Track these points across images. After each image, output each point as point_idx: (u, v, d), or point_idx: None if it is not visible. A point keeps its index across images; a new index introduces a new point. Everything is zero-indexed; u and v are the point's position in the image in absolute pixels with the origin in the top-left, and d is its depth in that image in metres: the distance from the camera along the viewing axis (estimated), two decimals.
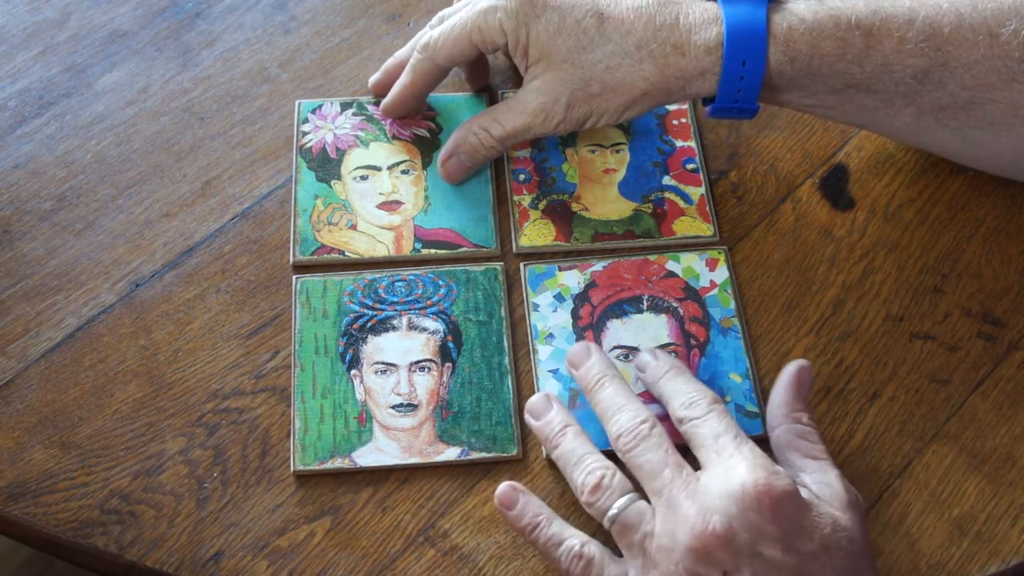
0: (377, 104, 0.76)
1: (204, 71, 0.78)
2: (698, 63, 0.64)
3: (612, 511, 0.56)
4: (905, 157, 0.75)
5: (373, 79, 0.76)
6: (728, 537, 0.52)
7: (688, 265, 0.69)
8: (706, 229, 0.71)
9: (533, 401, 0.62)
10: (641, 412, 0.58)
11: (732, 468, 0.54)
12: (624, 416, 0.58)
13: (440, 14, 0.72)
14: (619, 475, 0.57)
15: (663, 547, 0.54)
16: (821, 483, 0.56)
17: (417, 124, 0.76)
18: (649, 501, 0.56)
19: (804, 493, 0.55)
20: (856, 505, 0.56)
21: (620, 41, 0.64)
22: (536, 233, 0.71)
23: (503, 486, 0.59)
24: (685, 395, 0.59)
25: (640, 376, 0.63)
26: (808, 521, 0.53)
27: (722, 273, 0.69)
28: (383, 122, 0.75)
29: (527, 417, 0.62)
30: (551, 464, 0.62)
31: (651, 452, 0.56)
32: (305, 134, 0.75)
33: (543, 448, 0.62)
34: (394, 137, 0.75)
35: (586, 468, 0.58)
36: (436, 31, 0.69)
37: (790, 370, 0.61)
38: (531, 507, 0.58)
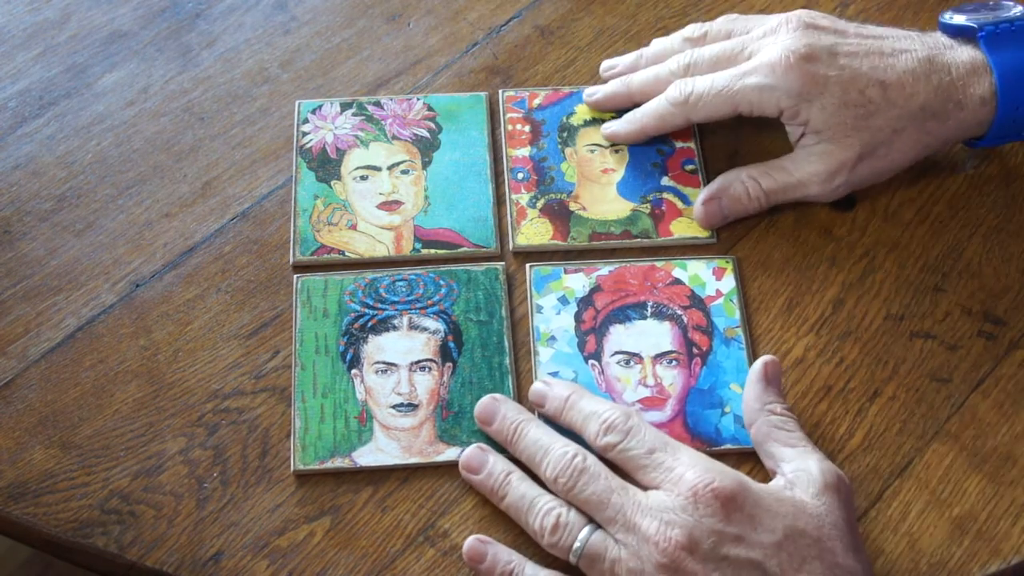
0: (377, 104, 0.76)
1: (204, 71, 0.78)
2: (975, 115, 0.67)
3: (576, 546, 0.55)
4: None
5: (610, 78, 0.76)
6: (692, 546, 0.52)
7: (695, 273, 0.69)
8: (704, 231, 0.71)
9: (467, 456, 0.60)
10: (568, 447, 0.58)
11: (677, 479, 0.54)
12: (553, 456, 0.57)
13: (689, 33, 0.73)
14: (573, 510, 0.56)
15: (633, 570, 0.53)
16: (799, 470, 0.56)
17: (417, 124, 0.76)
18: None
19: (771, 485, 0.55)
20: (836, 487, 0.56)
21: (905, 105, 0.66)
22: (533, 232, 0.71)
23: (469, 541, 0.58)
24: (597, 419, 0.58)
25: (540, 411, 0.62)
26: (764, 512, 0.53)
27: (728, 282, 0.69)
28: (383, 122, 0.75)
29: (464, 474, 0.60)
30: None
31: (592, 484, 0.56)
32: (305, 134, 0.75)
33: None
34: (394, 137, 0.75)
35: (540, 511, 0.57)
36: (694, 87, 0.69)
37: (756, 367, 0.61)
38: (501, 556, 0.57)
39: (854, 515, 0.56)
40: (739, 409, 0.64)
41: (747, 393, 0.61)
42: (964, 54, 0.67)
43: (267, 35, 0.80)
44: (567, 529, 0.56)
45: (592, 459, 0.57)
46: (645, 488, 0.56)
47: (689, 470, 0.54)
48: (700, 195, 0.70)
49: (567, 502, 0.57)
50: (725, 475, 0.54)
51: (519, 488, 0.58)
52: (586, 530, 0.56)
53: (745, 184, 0.69)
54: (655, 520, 0.53)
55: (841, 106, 0.66)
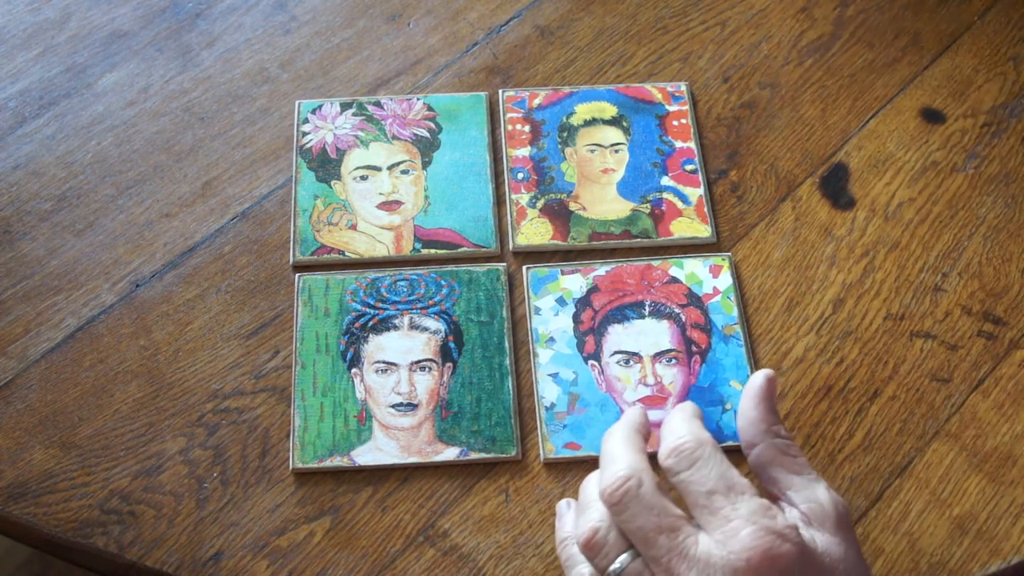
0: (377, 104, 0.76)
1: (204, 71, 0.78)
2: None
3: (614, 567, 0.52)
4: (905, 156, 0.75)
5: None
6: None
7: (691, 271, 0.69)
8: (703, 230, 0.71)
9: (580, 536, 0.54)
10: (629, 468, 0.53)
11: (732, 534, 0.50)
12: (610, 471, 0.53)
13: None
14: (615, 531, 0.53)
15: None
16: (811, 501, 0.54)
17: (417, 124, 0.76)
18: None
19: (804, 534, 0.52)
20: (845, 519, 0.54)
21: None
22: (533, 232, 0.71)
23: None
24: (672, 438, 0.54)
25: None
26: (812, 574, 0.50)
27: (725, 280, 0.69)
28: (383, 122, 0.75)
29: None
30: (549, 465, 0.62)
31: (642, 516, 0.52)
32: (305, 134, 0.75)
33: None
34: (394, 137, 0.75)
35: (587, 518, 0.53)
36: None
37: (759, 382, 0.57)
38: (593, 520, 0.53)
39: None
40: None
41: (747, 412, 0.57)
42: None
43: (267, 35, 0.80)
44: (604, 549, 0.52)
45: (649, 486, 0.52)
46: (698, 526, 0.52)
47: (746, 526, 0.50)
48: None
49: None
50: (784, 537, 0.50)
51: (586, 485, 0.55)
52: (626, 556, 0.52)
53: None
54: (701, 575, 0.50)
55: None
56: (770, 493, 0.57)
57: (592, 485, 0.55)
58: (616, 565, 0.52)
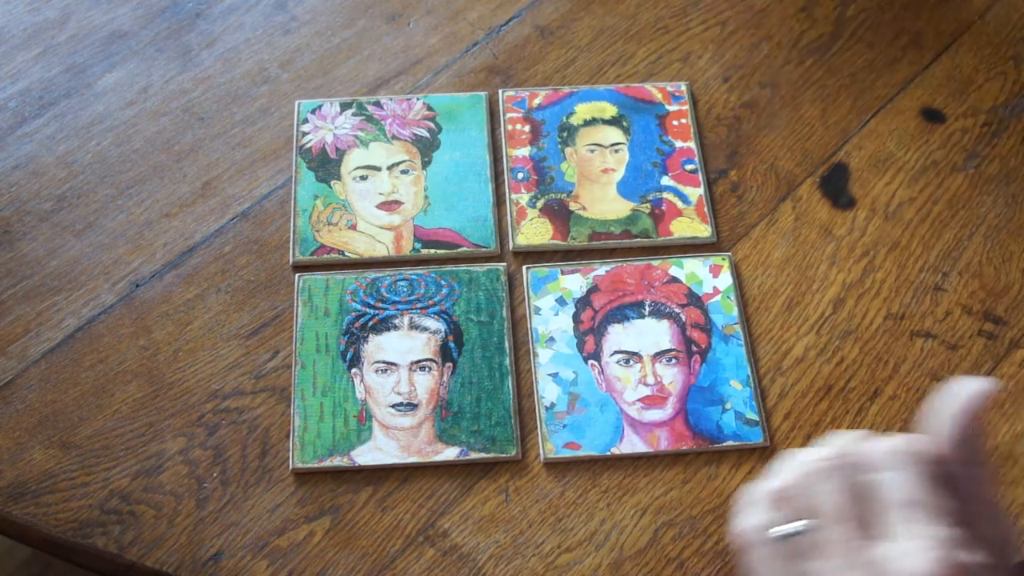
0: (377, 104, 0.76)
1: (204, 71, 0.78)
2: None
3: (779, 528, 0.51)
4: (905, 156, 0.75)
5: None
6: None
7: (691, 271, 0.69)
8: (703, 230, 0.71)
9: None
10: (843, 441, 0.52)
11: (916, 551, 0.48)
12: (836, 440, 0.52)
13: None
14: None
15: None
16: (996, 540, 0.50)
17: (417, 124, 0.76)
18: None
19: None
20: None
21: None
22: (533, 232, 0.71)
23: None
24: (893, 440, 0.52)
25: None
26: None
27: (725, 280, 0.69)
28: (383, 122, 0.75)
29: None
30: (549, 465, 0.62)
31: (840, 496, 0.50)
32: (305, 134, 0.75)
33: None
34: (394, 137, 0.75)
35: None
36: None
37: (972, 391, 0.51)
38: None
39: None
40: (739, 405, 0.64)
41: (949, 419, 0.52)
42: None
43: (267, 35, 0.80)
44: (790, 503, 0.51)
45: (861, 474, 0.51)
46: (881, 533, 0.50)
47: (933, 550, 0.48)
48: None
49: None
50: (967, 574, 0.48)
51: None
52: (805, 523, 0.51)
53: None
54: None
55: None
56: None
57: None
58: (791, 527, 0.51)
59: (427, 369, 0.65)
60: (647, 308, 0.68)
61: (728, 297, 0.68)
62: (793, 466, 0.53)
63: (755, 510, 0.53)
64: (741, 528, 0.53)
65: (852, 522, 0.51)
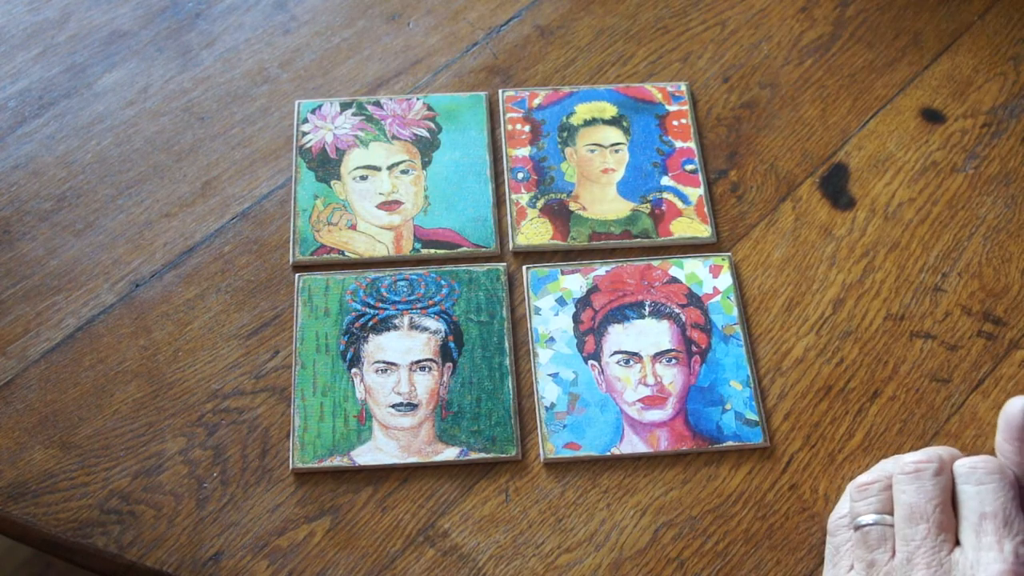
0: (377, 104, 0.76)
1: (204, 71, 0.78)
2: None
3: (865, 519, 0.54)
4: (905, 156, 0.75)
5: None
6: None
7: (691, 271, 0.69)
8: (703, 230, 0.71)
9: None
10: (937, 451, 0.55)
11: (988, 562, 0.50)
12: (927, 448, 0.55)
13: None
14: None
15: None
16: None
17: (417, 124, 0.76)
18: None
19: None
20: None
21: None
22: (533, 232, 0.71)
23: None
24: (979, 455, 0.55)
25: None
26: None
27: (725, 280, 0.69)
28: (383, 122, 0.75)
29: None
30: (549, 465, 0.63)
31: (919, 496, 0.53)
32: (305, 134, 0.75)
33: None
34: (394, 137, 0.75)
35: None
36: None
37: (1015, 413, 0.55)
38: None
39: None
40: (739, 406, 0.64)
41: (1001, 446, 0.56)
42: None
43: (267, 35, 0.80)
44: (869, 498, 0.55)
45: (943, 479, 0.54)
46: (957, 542, 0.53)
47: (1005, 563, 0.50)
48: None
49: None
50: None
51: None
52: (881, 516, 0.54)
53: None
54: None
55: None
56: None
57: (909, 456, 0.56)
58: (869, 518, 0.54)
59: (427, 369, 0.65)
60: (647, 308, 0.68)
61: (728, 297, 0.68)
62: (889, 464, 0.56)
63: (847, 499, 0.56)
64: (833, 513, 0.56)
65: (930, 524, 0.52)
